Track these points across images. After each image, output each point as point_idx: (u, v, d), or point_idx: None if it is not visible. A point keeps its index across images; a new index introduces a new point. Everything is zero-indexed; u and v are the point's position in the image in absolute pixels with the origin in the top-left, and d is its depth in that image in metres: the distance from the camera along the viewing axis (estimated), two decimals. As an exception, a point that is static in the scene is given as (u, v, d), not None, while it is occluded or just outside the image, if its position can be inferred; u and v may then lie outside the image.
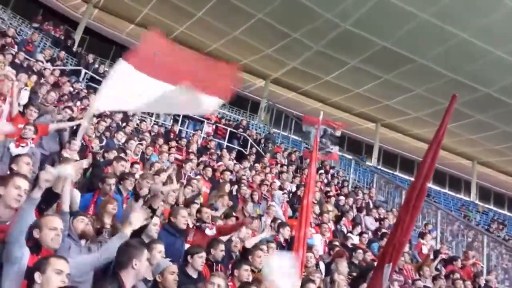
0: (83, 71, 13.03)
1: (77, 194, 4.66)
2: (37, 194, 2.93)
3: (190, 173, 8.78)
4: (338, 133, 11.07)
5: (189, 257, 4.43)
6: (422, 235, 10.24)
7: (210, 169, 9.29)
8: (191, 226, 5.77)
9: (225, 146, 13.11)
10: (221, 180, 8.96)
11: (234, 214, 6.74)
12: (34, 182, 3.24)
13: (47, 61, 11.99)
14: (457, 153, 22.65)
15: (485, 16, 12.60)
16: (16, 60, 9.92)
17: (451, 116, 3.36)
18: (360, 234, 9.01)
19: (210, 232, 5.67)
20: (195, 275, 4.38)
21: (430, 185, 22.40)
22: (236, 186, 8.92)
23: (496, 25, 12.82)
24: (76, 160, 5.28)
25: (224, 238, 5.75)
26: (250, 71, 20.35)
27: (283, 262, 3.60)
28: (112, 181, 5.39)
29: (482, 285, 8.76)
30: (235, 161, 11.35)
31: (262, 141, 14.64)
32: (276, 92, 21.09)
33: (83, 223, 4.01)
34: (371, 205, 11.72)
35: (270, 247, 6.13)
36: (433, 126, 17.45)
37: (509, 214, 24.32)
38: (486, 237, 12.02)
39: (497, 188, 25.76)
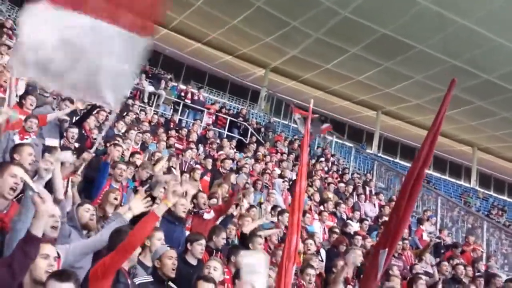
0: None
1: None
2: (39, 185, 2.93)
3: (190, 161, 8.83)
4: None
5: (188, 244, 4.46)
6: (420, 221, 10.30)
7: (210, 159, 9.33)
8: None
9: (225, 136, 13.14)
10: (221, 169, 8.99)
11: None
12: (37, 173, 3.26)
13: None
14: (458, 139, 22.70)
15: (485, 3, 12.53)
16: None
17: (450, 101, 3.32)
18: (361, 221, 9.07)
19: (208, 216, 5.71)
20: (194, 262, 4.42)
21: (430, 171, 22.50)
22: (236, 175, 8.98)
23: (497, 12, 12.74)
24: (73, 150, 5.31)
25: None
26: (249, 60, 20.34)
27: (256, 261, 3.68)
28: (124, 166, 5.47)
29: (482, 270, 8.82)
30: (235, 150, 11.40)
31: (262, 130, 14.65)
32: (276, 81, 21.08)
33: (88, 213, 3.97)
34: (369, 192, 11.75)
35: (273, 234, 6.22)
36: (433, 113, 17.15)
37: (509, 200, 24.42)
38: (486, 223, 12.08)
39: (497, 174, 25.85)
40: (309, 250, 6.21)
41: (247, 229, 5.82)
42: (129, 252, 2.97)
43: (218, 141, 11.72)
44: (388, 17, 14.33)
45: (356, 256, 6.00)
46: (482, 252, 10.27)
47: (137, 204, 3.62)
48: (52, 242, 2.88)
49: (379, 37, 15.31)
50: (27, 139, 5.47)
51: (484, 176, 25.53)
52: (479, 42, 14.26)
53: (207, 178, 8.37)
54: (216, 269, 3.97)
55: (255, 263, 3.51)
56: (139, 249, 3.40)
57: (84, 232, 4.00)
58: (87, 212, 3.97)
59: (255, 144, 12.50)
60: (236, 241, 5.86)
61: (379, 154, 21.45)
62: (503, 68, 15.33)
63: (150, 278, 3.70)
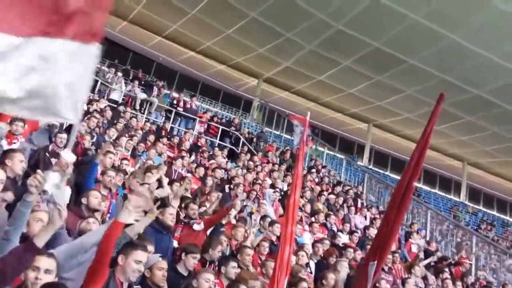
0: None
1: (68, 191, 4.63)
2: (31, 198, 2.88)
3: (181, 170, 8.78)
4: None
5: (183, 254, 4.43)
6: (409, 235, 10.32)
7: (202, 168, 9.29)
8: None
9: (217, 145, 13.11)
10: (211, 178, 8.94)
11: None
12: (25, 178, 3.23)
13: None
14: (448, 154, 22.84)
15: (476, 18, 12.67)
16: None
17: (438, 116, 3.36)
18: (351, 233, 9.06)
19: (198, 227, 5.66)
20: (185, 273, 4.38)
21: (420, 185, 22.62)
22: (227, 185, 8.95)
23: (487, 28, 12.89)
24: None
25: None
26: (243, 70, 20.40)
27: None
28: (113, 173, 5.41)
29: (470, 284, 8.84)
30: (226, 159, 11.37)
31: (254, 139, 14.64)
32: (268, 91, 21.13)
33: (85, 223, 3.92)
34: (360, 204, 11.76)
35: (262, 246, 6.16)
36: (424, 126, 17.53)
37: (498, 215, 24.58)
38: (475, 237, 12.13)
39: (487, 189, 26.01)
40: (299, 261, 6.17)
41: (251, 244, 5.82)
42: (103, 261, 2.91)
43: (209, 150, 11.69)
44: (380, 31, 14.45)
45: (343, 269, 6.02)
46: (469, 264, 10.31)
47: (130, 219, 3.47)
48: (54, 256, 2.84)
49: (372, 50, 15.43)
50: (15, 143, 5.42)
51: (474, 190, 25.69)
52: (470, 57, 14.40)
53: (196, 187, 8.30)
54: (214, 283, 3.97)
55: None
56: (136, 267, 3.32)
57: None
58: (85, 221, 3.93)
59: (247, 154, 12.48)
60: (227, 252, 5.81)
61: (370, 167, 21.52)
62: (493, 84, 15.47)
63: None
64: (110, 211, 5.26)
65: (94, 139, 7.97)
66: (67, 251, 3.28)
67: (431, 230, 12.41)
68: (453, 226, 13.08)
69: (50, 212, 2.74)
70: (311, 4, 13.96)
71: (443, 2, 12.34)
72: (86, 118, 8.23)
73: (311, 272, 6.53)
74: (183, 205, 6.04)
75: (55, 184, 3.31)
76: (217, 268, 4.83)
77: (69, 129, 7.19)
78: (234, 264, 4.70)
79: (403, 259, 9.14)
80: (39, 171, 3.35)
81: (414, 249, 9.87)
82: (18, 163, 4.11)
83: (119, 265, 3.20)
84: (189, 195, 7.14)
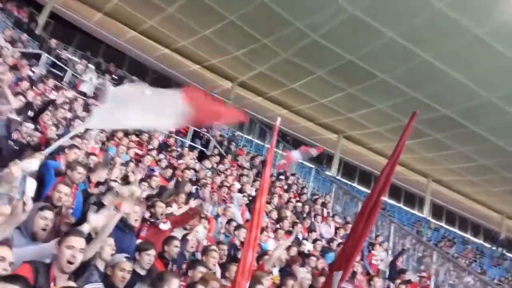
0: (44, 55, 12.59)
1: (33, 183, 4.39)
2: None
3: (148, 168, 8.61)
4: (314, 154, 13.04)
5: (137, 253, 4.29)
6: (372, 246, 10.42)
7: (170, 169, 9.12)
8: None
9: (187, 145, 12.94)
10: (180, 179, 8.81)
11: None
12: None
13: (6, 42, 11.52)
14: (413, 169, 23.26)
15: (451, 41, 12.97)
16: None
17: (410, 132, 3.41)
18: (314, 241, 9.07)
19: (164, 226, 5.53)
20: (142, 273, 4.23)
21: (385, 199, 22.95)
22: (195, 186, 8.84)
23: (461, 51, 13.22)
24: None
25: (180, 234, 5.65)
26: (217, 72, 20.29)
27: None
28: (83, 170, 5.11)
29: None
30: (196, 161, 11.23)
31: (225, 142, 14.54)
32: (242, 95, 21.07)
33: (44, 221, 3.52)
34: (326, 214, 11.82)
35: (221, 249, 6.03)
36: (392, 141, 17.90)
37: (459, 233, 25.20)
38: (436, 253, 12.35)
39: (450, 207, 26.63)
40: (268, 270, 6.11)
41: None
42: None
43: (179, 149, 11.53)
44: (356, 45, 14.63)
45: (305, 279, 6.03)
46: (425, 278, 10.45)
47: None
48: (8, 244, 2.68)
49: (345, 63, 15.59)
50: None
51: (437, 207, 26.25)
52: (441, 78, 14.72)
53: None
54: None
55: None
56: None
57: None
58: (44, 220, 3.53)
59: (217, 157, 12.35)
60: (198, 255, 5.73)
61: (338, 177, 21.71)
62: (461, 105, 15.87)
63: (100, 285, 3.52)
64: (73, 205, 5.04)
65: (60, 131, 7.72)
66: (31, 256, 3.05)
67: (394, 244, 12.57)
68: (415, 241, 13.28)
69: (13, 205, 2.59)
70: (290, 13, 14.03)
71: (420, 24, 12.59)
72: (53, 108, 7.99)
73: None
74: (149, 203, 5.88)
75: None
76: (184, 271, 4.73)
77: (34, 118, 6.96)
78: (202, 269, 4.62)
79: (364, 270, 9.20)
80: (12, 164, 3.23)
81: (375, 261, 9.97)
82: None
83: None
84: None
